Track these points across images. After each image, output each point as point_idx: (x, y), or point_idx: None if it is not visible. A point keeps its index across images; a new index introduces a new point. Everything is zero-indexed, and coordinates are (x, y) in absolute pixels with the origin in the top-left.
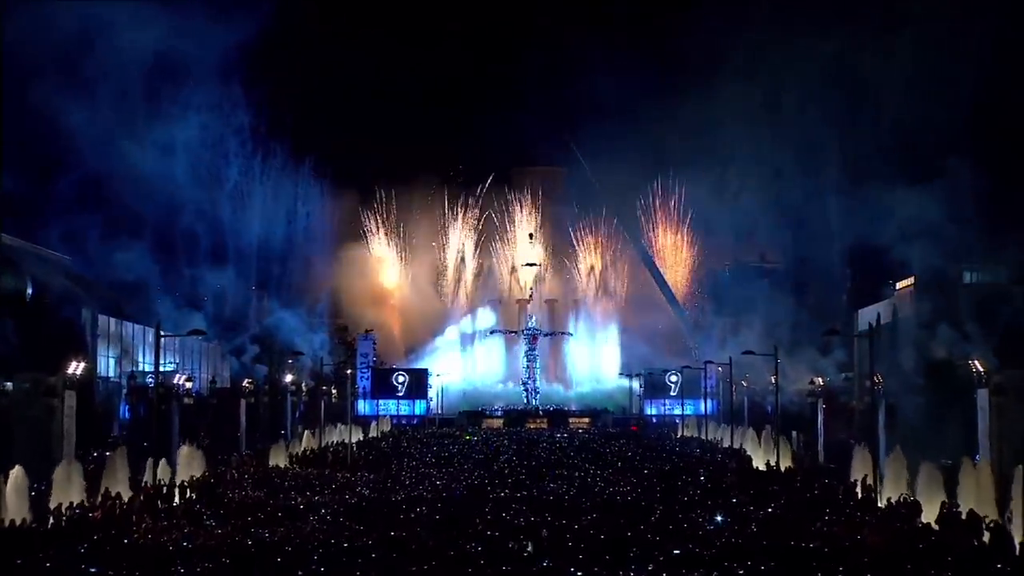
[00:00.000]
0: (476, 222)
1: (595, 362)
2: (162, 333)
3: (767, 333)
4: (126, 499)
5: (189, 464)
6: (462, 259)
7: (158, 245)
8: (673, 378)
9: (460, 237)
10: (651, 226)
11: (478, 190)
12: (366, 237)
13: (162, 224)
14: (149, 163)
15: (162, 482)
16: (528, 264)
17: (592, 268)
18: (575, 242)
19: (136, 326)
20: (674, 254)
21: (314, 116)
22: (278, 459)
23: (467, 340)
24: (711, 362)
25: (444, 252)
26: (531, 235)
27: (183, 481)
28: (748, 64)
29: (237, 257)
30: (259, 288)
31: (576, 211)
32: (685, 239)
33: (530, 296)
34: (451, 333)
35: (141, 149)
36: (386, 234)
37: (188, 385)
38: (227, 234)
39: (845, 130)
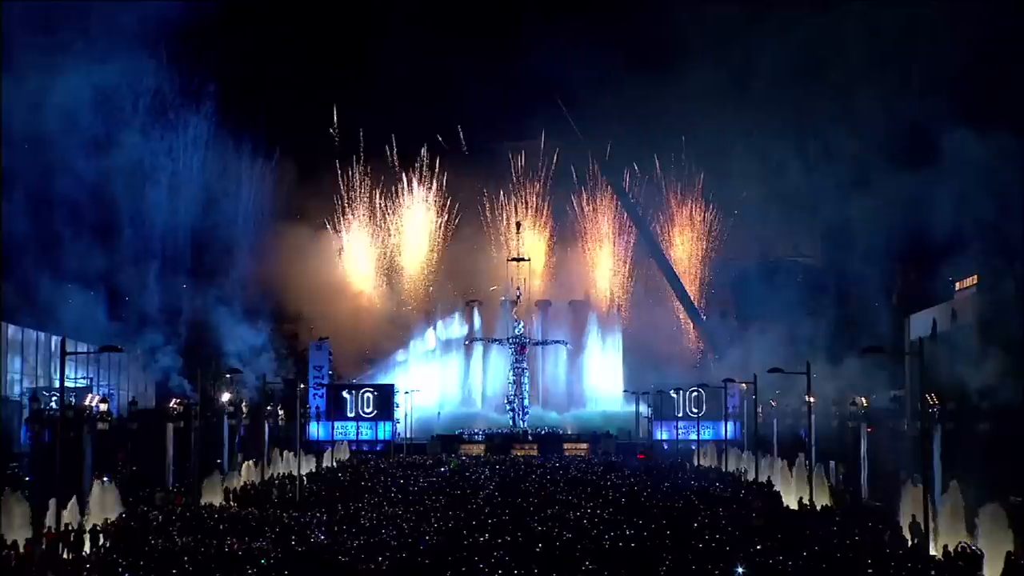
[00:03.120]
0: (448, 206)
1: (595, 377)
2: (77, 350)
3: (799, 342)
4: (24, 547)
5: (103, 504)
6: (432, 251)
7: (48, 222)
8: (689, 397)
9: (428, 224)
10: (658, 214)
11: (450, 168)
12: (311, 221)
13: (53, 196)
14: (36, 125)
15: (70, 526)
16: (515, 259)
17: (591, 264)
18: (570, 233)
19: (40, 333)
20: (687, 244)
21: (253, 78)
22: (212, 496)
23: (441, 350)
24: (732, 380)
25: (409, 243)
26: (519, 224)
27: (96, 525)
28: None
29: (156, 242)
30: (167, 273)
31: (571, 194)
32: (700, 226)
33: (517, 297)
34: (421, 341)
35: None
36: (336, 219)
37: (103, 407)
38: (145, 213)
39: (903, 102)
